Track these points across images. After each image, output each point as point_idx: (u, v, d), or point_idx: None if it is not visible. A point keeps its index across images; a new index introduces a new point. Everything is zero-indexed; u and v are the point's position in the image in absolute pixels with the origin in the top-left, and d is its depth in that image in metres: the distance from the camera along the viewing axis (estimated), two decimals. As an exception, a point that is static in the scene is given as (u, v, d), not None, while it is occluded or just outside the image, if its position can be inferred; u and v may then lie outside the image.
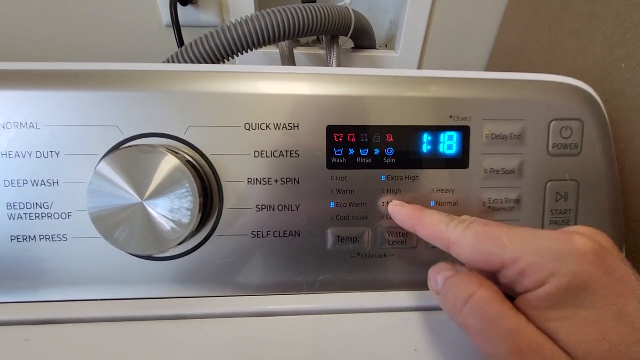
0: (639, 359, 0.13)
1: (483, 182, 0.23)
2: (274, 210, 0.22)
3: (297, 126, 0.22)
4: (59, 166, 0.21)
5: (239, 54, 0.32)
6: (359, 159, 0.22)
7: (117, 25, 0.45)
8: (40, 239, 0.21)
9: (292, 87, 0.22)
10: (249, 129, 0.21)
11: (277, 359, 0.20)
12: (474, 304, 0.16)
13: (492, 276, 0.18)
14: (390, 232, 0.23)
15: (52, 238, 0.21)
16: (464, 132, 0.22)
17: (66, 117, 0.20)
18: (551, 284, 0.14)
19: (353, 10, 0.39)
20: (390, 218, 0.23)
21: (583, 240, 0.15)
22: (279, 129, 0.22)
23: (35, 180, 0.21)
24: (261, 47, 0.33)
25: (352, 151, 0.22)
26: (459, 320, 0.17)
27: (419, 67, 0.51)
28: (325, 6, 0.35)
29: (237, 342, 0.20)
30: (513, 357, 0.15)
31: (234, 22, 0.31)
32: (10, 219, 0.21)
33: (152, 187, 0.19)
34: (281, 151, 0.22)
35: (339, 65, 0.41)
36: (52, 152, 0.21)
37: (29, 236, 0.21)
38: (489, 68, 0.51)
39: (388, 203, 0.22)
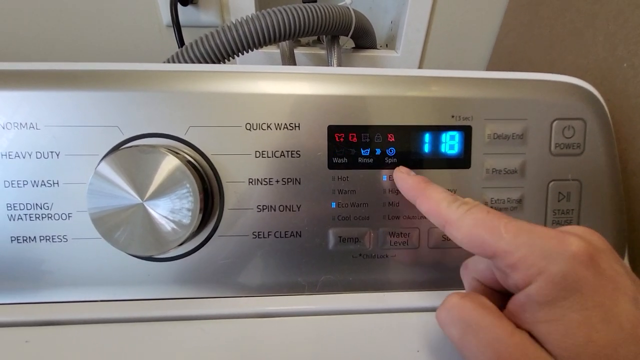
0: None
1: (485, 182, 0.23)
2: (275, 210, 0.22)
3: (298, 126, 0.22)
4: (59, 166, 0.21)
5: (240, 53, 0.32)
6: (360, 159, 0.22)
7: (117, 25, 0.45)
8: (41, 239, 0.21)
9: (293, 87, 0.22)
10: (249, 129, 0.21)
11: (278, 360, 0.20)
12: (453, 316, 0.16)
13: (490, 281, 0.18)
14: (392, 233, 0.23)
15: (52, 239, 0.21)
16: (466, 132, 0.22)
17: (66, 117, 0.20)
18: (539, 282, 0.14)
19: (353, 9, 0.39)
20: (392, 218, 0.22)
21: (576, 240, 0.15)
22: (280, 129, 0.21)
23: (35, 181, 0.21)
24: (261, 47, 0.33)
25: (353, 151, 0.22)
26: (445, 332, 0.17)
27: (420, 67, 0.51)
28: (326, 6, 0.35)
29: (238, 343, 0.20)
30: None
31: (234, 22, 0.31)
32: (10, 220, 0.21)
33: (153, 187, 0.19)
34: (282, 151, 0.22)
35: (339, 65, 0.41)
36: (52, 152, 0.20)
37: (29, 237, 0.21)
38: (489, 67, 0.51)
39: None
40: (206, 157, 0.21)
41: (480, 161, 0.22)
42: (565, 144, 0.23)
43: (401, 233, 0.23)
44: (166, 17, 0.44)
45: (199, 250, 0.22)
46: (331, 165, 0.22)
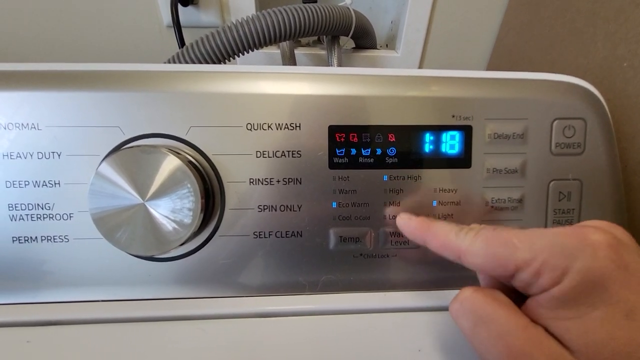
0: None
1: (486, 182, 0.23)
2: (275, 210, 0.22)
3: (299, 126, 0.22)
4: (61, 167, 0.21)
5: (240, 54, 0.32)
6: (360, 159, 0.22)
7: (117, 26, 0.45)
8: (42, 239, 0.21)
9: (293, 87, 0.22)
10: (250, 129, 0.21)
11: (279, 360, 0.20)
12: (466, 308, 0.16)
13: (508, 284, 0.17)
14: (393, 232, 0.23)
15: (54, 239, 0.21)
16: (466, 132, 0.22)
17: (67, 117, 0.20)
18: (565, 283, 0.14)
19: (354, 10, 0.39)
20: (392, 218, 0.22)
21: (597, 233, 0.14)
22: (281, 129, 0.21)
23: (36, 181, 0.21)
24: (262, 47, 0.33)
25: (354, 151, 0.22)
26: (457, 325, 0.17)
27: (420, 67, 0.51)
28: (326, 6, 0.35)
29: (238, 342, 0.20)
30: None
31: (234, 23, 0.31)
32: (11, 220, 0.21)
33: (154, 187, 0.19)
34: (283, 151, 0.22)
35: (339, 65, 0.41)
36: (53, 152, 0.21)
37: (31, 237, 0.21)
38: (489, 67, 0.51)
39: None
40: (207, 157, 0.21)
41: (480, 161, 0.23)
42: (566, 143, 0.23)
43: (402, 233, 0.23)
44: (166, 17, 0.44)
45: (200, 250, 0.22)
46: (332, 165, 0.22)
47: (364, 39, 0.45)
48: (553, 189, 0.23)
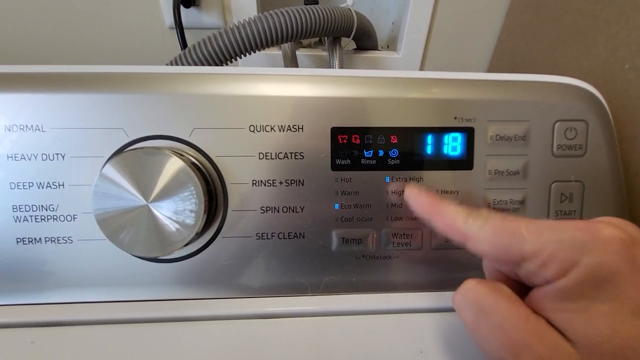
0: None
1: (487, 183, 0.23)
2: (278, 211, 0.22)
3: (301, 128, 0.22)
4: (64, 168, 0.21)
5: (242, 55, 0.32)
6: (363, 161, 0.22)
7: (119, 27, 0.46)
8: (46, 241, 0.21)
9: (296, 89, 0.22)
10: (253, 131, 0.21)
11: (282, 361, 0.20)
12: (469, 298, 0.16)
13: (511, 274, 0.17)
14: (395, 234, 0.23)
15: (58, 240, 0.21)
16: (468, 134, 0.22)
17: (71, 119, 0.21)
18: (571, 276, 0.14)
19: (355, 11, 0.39)
20: (395, 219, 0.23)
21: (610, 229, 0.14)
22: (283, 130, 0.22)
23: (40, 183, 0.21)
24: (264, 48, 0.33)
25: (356, 153, 0.22)
26: (459, 316, 0.17)
27: (421, 68, 0.51)
28: (328, 7, 0.35)
29: (241, 344, 0.20)
30: (504, 351, 0.14)
31: (236, 24, 0.31)
32: (15, 221, 0.21)
33: (157, 189, 0.19)
34: (285, 153, 0.22)
35: (341, 66, 0.42)
36: (57, 154, 0.21)
37: (35, 238, 0.21)
38: (490, 69, 0.51)
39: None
40: (210, 158, 0.21)
41: (482, 162, 0.23)
42: (568, 145, 0.23)
43: (404, 234, 0.23)
44: (169, 19, 0.44)
45: (203, 252, 0.22)
46: (334, 167, 0.22)
47: (365, 40, 0.45)
48: (555, 191, 0.23)
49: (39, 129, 0.20)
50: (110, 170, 0.19)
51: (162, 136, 0.21)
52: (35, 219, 0.21)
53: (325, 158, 0.22)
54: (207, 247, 0.22)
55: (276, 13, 0.32)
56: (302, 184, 0.22)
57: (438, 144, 0.22)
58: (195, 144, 0.21)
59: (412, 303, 0.23)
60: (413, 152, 0.22)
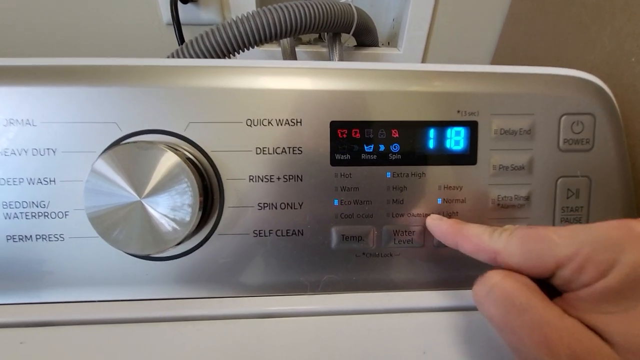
0: None
1: (492, 179, 0.22)
2: (276, 208, 0.21)
3: (300, 122, 0.21)
4: (56, 164, 0.20)
5: (240, 51, 0.32)
6: (363, 156, 0.21)
7: (117, 23, 0.45)
8: (37, 238, 0.20)
9: (294, 82, 0.21)
10: (250, 125, 0.21)
11: (280, 362, 0.19)
12: (497, 294, 0.15)
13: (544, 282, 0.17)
14: (396, 231, 0.22)
15: (49, 238, 0.21)
16: (472, 127, 0.22)
17: (63, 113, 0.20)
18: (611, 276, 0.13)
19: (355, 7, 0.38)
20: (396, 216, 0.22)
21: None
22: (281, 125, 0.21)
23: (31, 179, 0.20)
24: (262, 44, 0.32)
25: (356, 147, 0.21)
26: (483, 311, 0.16)
27: (422, 65, 0.50)
28: (327, 3, 0.34)
29: (238, 344, 0.20)
30: (540, 350, 0.14)
31: (234, 19, 0.31)
32: (5, 218, 0.20)
33: (151, 184, 0.18)
34: (283, 148, 0.21)
35: (341, 62, 0.41)
36: (48, 149, 0.20)
37: (25, 236, 0.20)
38: (493, 64, 0.51)
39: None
40: (206, 153, 0.21)
41: (486, 157, 0.22)
42: (574, 139, 0.22)
43: (405, 231, 0.22)
44: (166, 15, 0.44)
45: (199, 249, 0.21)
46: (334, 162, 0.21)
47: (365, 36, 0.44)
48: (561, 186, 0.22)
49: (29, 123, 0.20)
50: (102, 166, 0.18)
51: (156, 130, 0.20)
52: (26, 216, 0.20)
53: (324, 153, 0.21)
54: (203, 244, 0.21)
55: (275, 8, 0.32)
56: (301, 180, 0.21)
57: (441, 138, 0.22)
58: (191, 138, 0.21)
59: (414, 302, 0.22)
60: (415, 146, 0.22)
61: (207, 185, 0.20)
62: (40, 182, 0.20)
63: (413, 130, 0.22)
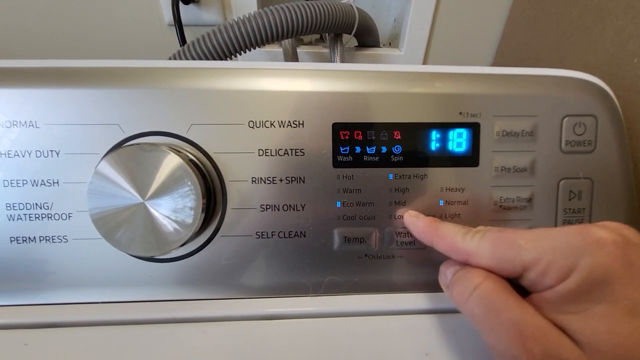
0: None
1: (494, 181, 0.22)
2: (278, 210, 0.21)
3: (302, 124, 0.21)
4: (59, 166, 0.20)
5: (242, 52, 0.32)
6: (365, 157, 0.22)
7: (119, 24, 0.45)
8: (40, 240, 0.21)
9: (296, 84, 0.21)
10: (252, 127, 0.21)
11: (282, 364, 0.19)
12: (478, 294, 0.16)
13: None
14: (398, 233, 0.22)
15: (52, 239, 0.21)
16: (474, 129, 0.22)
17: (66, 115, 0.20)
18: (570, 280, 0.14)
19: (357, 7, 0.38)
20: (398, 218, 0.22)
21: (602, 231, 0.15)
22: (284, 126, 0.21)
23: (34, 180, 0.20)
24: (264, 45, 0.32)
25: (358, 149, 0.21)
26: (465, 310, 0.17)
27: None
28: (329, 3, 0.34)
29: (240, 345, 0.20)
30: (515, 346, 0.15)
31: (236, 20, 0.31)
32: (9, 220, 0.20)
33: (154, 186, 0.18)
34: (286, 149, 0.21)
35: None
36: (52, 151, 0.20)
37: (29, 237, 0.20)
38: (494, 65, 0.51)
39: (402, 216, 0.22)
40: (208, 155, 0.21)
41: (488, 159, 0.22)
42: (576, 141, 0.22)
43: (408, 233, 0.22)
44: (168, 15, 0.44)
45: (202, 251, 0.21)
46: (336, 164, 0.21)
47: (366, 36, 0.44)
48: (563, 188, 0.22)
49: (32, 125, 0.20)
50: (106, 167, 0.18)
51: (159, 132, 0.21)
52: (30, 217, 0.20)
53: (326, 155, 0.21)
54: (206, 246, 0.21)
55: (276, 9, 0.32)
56: (303, 182, 0.21)
57: (443, 140, 0.22)
58: (193, 140, 0.21)
59: (417, 304, 0.22)
60: (417, 148, 0.22)
61: (209, 187, 0.20)
62: (44, 184, 0.20)
63: (415, 131, 0.22)
